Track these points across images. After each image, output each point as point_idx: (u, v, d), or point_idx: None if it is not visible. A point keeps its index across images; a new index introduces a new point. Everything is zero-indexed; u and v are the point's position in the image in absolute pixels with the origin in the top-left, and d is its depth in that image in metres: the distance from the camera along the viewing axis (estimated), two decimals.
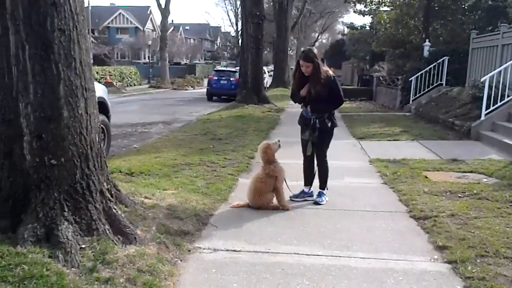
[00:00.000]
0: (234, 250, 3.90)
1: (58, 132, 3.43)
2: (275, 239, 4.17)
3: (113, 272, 3.14)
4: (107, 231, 3.52)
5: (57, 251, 3.17)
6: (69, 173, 3.48)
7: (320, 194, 5.43)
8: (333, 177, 6.42)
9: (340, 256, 3.81)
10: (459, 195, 5.54)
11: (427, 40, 17.58)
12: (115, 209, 3.73)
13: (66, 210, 3.41)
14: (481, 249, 3.84)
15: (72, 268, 3.10)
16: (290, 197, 5.41)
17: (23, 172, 3.42)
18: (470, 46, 14.35)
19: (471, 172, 6.93)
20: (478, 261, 3.64)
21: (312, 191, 5.56)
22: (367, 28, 31.60)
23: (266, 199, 5.05)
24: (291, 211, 5.04)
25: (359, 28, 34.86)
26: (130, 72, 36.77)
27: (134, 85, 36.29)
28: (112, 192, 3.89)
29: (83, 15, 3.60)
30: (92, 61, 3.80)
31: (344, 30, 49.09)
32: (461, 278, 3.41)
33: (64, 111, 3.43)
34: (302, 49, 5.79)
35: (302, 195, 5.53)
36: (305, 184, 5.64)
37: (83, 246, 3.33)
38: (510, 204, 5.16)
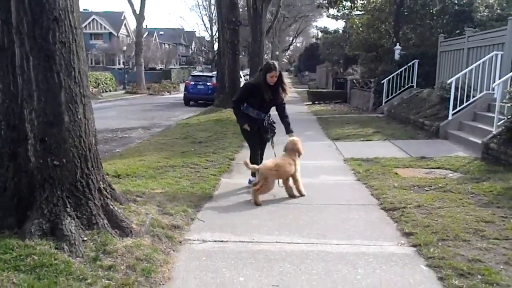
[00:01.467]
0: (221, 241, 4.27)
1: (60, 136, 3.75)
2: (258, 230, 4.56)
3: (114, 261, 3.49)
4: (106, 225, 3.87)
5: (62, 243, 3.50)
6: (70, 173, 3.81)
7: None
8: (310, 175, 6.91)
9: (317, 243, 4.22)
10: (426, 189, 6.02)
11: (397, 43, 18.23)
12: (111, 205, 4.07)
13: (69, 206, 3.74)
14: (443, 234, 4.29)
15: (77, 258, 3.44)
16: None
17: (27, 172, 3.73)
18: (438, 49, 14.99)
19: (438, 168, 7.44)
20: (440, 244, 4.09)
21: None
22: (340, 32, 32.35)
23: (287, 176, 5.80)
24: (271, 206, 5.44)
25: (332, 32, 35.69)
26: (106, 78, 36.62)
27: (110, 91, 36.19)
28: (108, 191, 4.22)
29: (80, 29, 3.94)
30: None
31: (318, 34, 49.86)
32: (424, 258, 3.85)
33: (65, 116, 3.76)
34: (270, 62, 6.48)
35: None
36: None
37: (85, 238, 3.66)
38: (472, 195, 5.66)
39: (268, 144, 6.45)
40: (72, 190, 3.81)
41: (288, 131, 6.28)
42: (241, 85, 21.21)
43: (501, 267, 3.65)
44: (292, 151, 5.97)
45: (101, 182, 4.12)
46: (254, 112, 6.18)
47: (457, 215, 4.84)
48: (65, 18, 3.70)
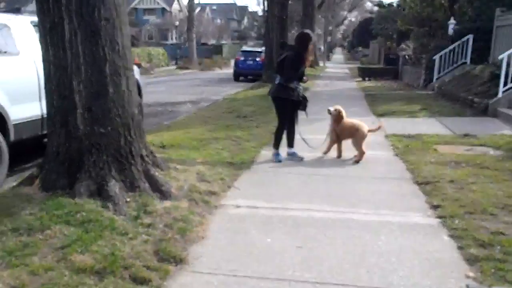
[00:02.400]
0: (254, 207, 4.54)
1: (105, 106, 4.11)
2: (290, 199, 4.79)
3: (153, 220, 3.84)
4: (147, 189, 4.22)
5: (107, 203, 3.88)
6: (115, 140, 4.17)
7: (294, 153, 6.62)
8: (349, 150, 7.02)
9: (344, 212, 4.41)
10: (463, 165, 6.01)
11: (452, 17, 17.64)
12: (152, 171, 4.42)
13: (113, 170, 4.11)
14: (470, 208, 4.37)
15: (120, 216, 3.81)
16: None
17: (77, 139, 4.12)
18: (494, 24, 14.45)
19: (480, 145, 7.36)
20: (466, 216, 4.17)
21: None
22: (395, 5, 31.49)
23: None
24: (306, 177, 5.64)
25: (387, 6, 34.73)
26: (158, 53, 37.42)
27: (162, 66, 36.99)
28: (150, 157, 4.57)
29: (123, 6, 4.25)
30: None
31: (372, 8, 48.66)
32: (447, 229, 3.96)
33: (109, 88, 4.10)
34: (307, 31, 6.67)
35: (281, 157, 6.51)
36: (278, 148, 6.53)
37: (128, 199, 4.03)
38: (509, 172, 5.62)
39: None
40: (116, 155, 4.17)
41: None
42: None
43: None
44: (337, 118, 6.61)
45: (143, 149, 4.47)
46: (294, 83, 6.28)
47: (489, 191, 4.87)
48: None
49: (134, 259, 3.25)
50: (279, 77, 6.30)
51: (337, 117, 6.57)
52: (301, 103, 6.46)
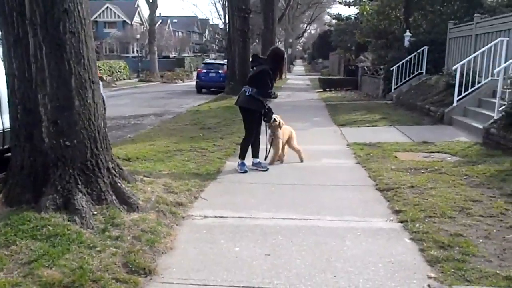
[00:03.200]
0: (221, 217, 4.59)
1: (71, 119, 4.08)
2: (257, 208, 4.86)
3: (121, 232, 3.83)
4: (114, 201, 4.20)
5: (74, 216, 3.84)
6: (81, 153, 4.14)
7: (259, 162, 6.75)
8: (313, 158, 7.19)
9: (310, 219, 4.51)
10: (422, 171, 6.25)
11: (407, 30, 18.26)
12: (119, 183, 4.40)
13: (80, 183, 4.08)
14: (430, 212, 4.55)
15: (88, 229, 3.78)
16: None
17: (42, 152, 4.07)
18: (447, 36, 15.05)
19: (437, 152, 7.67)
20: (426, 220, 4.35)
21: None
22: (353, 19, 32.26)
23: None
24: (271, 186, 5.73)
25: (345, 19, 35.51)
26: (119, 66, 36.91)
27: (124, 79, 36.52)
28: (116, 170, 4.55)
29: (89, 19, 4.24)
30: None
31: (331, 21, 49.64)
32: (409, 232, 4.12)
33: (75, 101, 4.09)
34: (281, 48, 7.05)
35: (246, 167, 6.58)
36: (243, 158, 6.61)
37: (95, 212, 4.00)
38: (465, 177, 5.88)
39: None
40: (83, 168, 4.14)
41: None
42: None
43: (481, 240, 3.91)
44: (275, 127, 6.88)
45: (109, 162, 4.45)
46: (260, 95, 6.42)
47: (447, 195, 5.09)
48: (75, 9, 4.01)
49: (103, 272, 3.24)
50: (250, 89, 6.38)
51: (279, 125, 6.87)
52: (266, 114, 6.62)
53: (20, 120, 4.10)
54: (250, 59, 7.01)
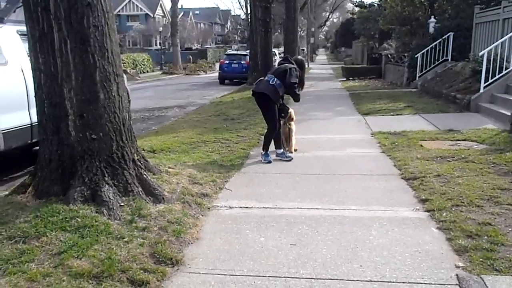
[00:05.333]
0: (246, 207, 4.61)
1: (96, 112, 4.14)
2: (282, 198, 4.87)
3: (148, 223, 3.88)
4: (140, 193, 4.25)
5: (101, 208, 3.91)
6: (107, 145, 4.20)
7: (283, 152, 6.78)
8: (336, 148, 7.17)
9: (335, 209, 4.50)
10: (448, 159, 6.15)
11: (432, 16, 17.91)
12: (145, 175, 4.45)
13: (106, 175, 4.14)
14: (457, 200, 4.48)
15: (115, 220, 3.84)
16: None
17: (69, 145, 4.14)
18: (474, 21, 14.71)
19: (464, 140, 7.53)
20: (453, 209, 4.29)
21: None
22: (376, 6, 31.79)
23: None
24: (296, 176, 5.72)
25: (368, 6, 35.02)
26: (143, 59, 37.26)
27: (147, 72, 36.86)
28: (142, 162, 4.60)
29: (112, 12, 4.28)
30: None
31: (353, 9, 48.99)
32: (436, 222, 4.07)
33: (100, 94, 4.13)
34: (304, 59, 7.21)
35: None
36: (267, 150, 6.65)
37: (122, 204, 4.06)
38: (493, 165, 5.77)
39: None
40: (109, 161, 4.20)
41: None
42: (275, 62, 21.43)
43: (510, 229, 3.84)
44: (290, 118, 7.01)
45: (135, 154, 4.50)
46: (282, 91, 6.55)
47: (475, 183, 5.00)
48: (98, 3, 4.04)
49: (131, 262, 3.29)
50: (275, 79, 6.43)
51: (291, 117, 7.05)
52: (283, 109, 6.78)
53: (47, 114, 4.17)
54: (281, 59, 7.12)
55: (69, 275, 3.09)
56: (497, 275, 3.13)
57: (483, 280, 3.04)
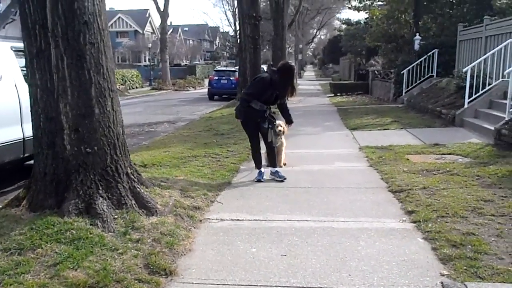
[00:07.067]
0: (238, 220, 4.71)
1: (91, 126, 4.23)
2: (272, 210, 4.98)
3: (142, 235, 3.96)
4: (134, 205, 4.34)
5: (96, 220, 3.98)
6: (101, 159, 4.29)
7: (277, 172, 6.44)
8: (325, 162, 7.31)
9: (324, 221, 4.61)
10: (434, 173, 6.32)
11: (417, 34, 18.29)
12: (138, 188, 4.55)
13: (101, 188, 4.22)
14: (443, 212, 4.62)
15: (109, 232, 3.92)
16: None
17: (64, 159, 4.22)
18: (457, 38, 15.08)
19: (449, 154, 7.72)
20: (438, 220, 4.42)
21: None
22: (362, 23, 32.35)
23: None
24: (285, 189, 5.84)
25: (354, 23, 35.62)
26: (132, 75, 37.37)
27: (136, 87, 36.96)
28: (135, 175, 4.69)
29: (107, 30, 4.40)
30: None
31: (340, 26, 49.69)
32: (422, 232, 4.20)
33: (95, 109, 4.24)
34: (293, 64, 6.64)
35: (262, 177, 6.39)
36: (260, 167, 6.47)
37: (115, 216, 4.14)
38: (477, 177, 5.94)
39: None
40: (103, 174, 4.29)
41: (289, 121, 6.70)
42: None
43: (492, 239, 3.98)
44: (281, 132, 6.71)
45: (128, 168, 4.60)
46: (257, 104, 6.17)
47: (459, 195, 5.16)
48: (94, 21, 4.17)
49: (126, 273, 3.37)
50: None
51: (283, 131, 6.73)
52: (271, 123, 6.41)
53: (43, 128, 4.26)
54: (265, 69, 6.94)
55: (65, 285, 3.15)
56: (480, 282, 3.25)
57: (466, 287, 3.17)
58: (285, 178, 6.32)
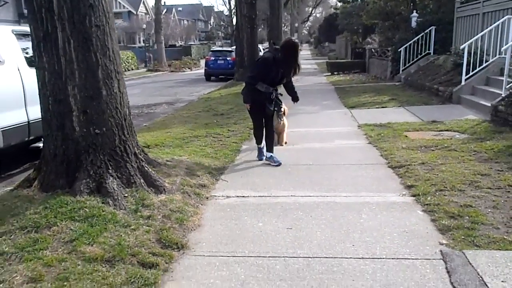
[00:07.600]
0: (243, 196, 4.86)
1: (99, 108, 4.34)
2: (276, 187, 5.13)
3: (152, 212, 4.11)
4: (143, 184, 4.48)
5: (107, 199, 4.12)
6: (110, 140, 4.41)
7: (272, 157, 6.30)
8: (325, 140, 7.44)
9: (327, 196, 4.77)
10: (432, 149, 6.47)
11: (414, 11, 18.29)
12: (146, 167, 4.68)
13: (110, 168, 4.35)
14: (441, 186, 4.79)
15: (121, 210, 4.06)
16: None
17: (73, 140, 4.34)
18: (455, 15, 15.09)
19: (447, 130, 7.87)
20: (437, 193, 4.59)
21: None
22: (359, 1, 32.16)
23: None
24: (288, 167, 5.98)
25: (351, 1, 35.38)
26: (127, 57, 37.04)
27: (132, 69, 36.72)
28: (142, 155, 4.82)
29: (112, 13, 4.49)
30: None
31: (336, 4, 49.35)
32: (421, 205, 4.37)
33: (103, 91, 4.34)
34: (296, 40, 6.30)
35: (263, 155, 6.44)
36: (261, 143, 6.45)
37: (126, 195, 4.28)
38: (474, 153, 6.10)
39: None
40: (112, 154, 4.42)
41: (296, 98, 6.48)
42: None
43: (489, 210, 4.15)
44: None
45: (135, 148, 4.72)
46: (263, 86, 5.99)
47: (457, 170, 5.32)
48: (99, 4, 4.25)
49: (140, 247, 3.52)
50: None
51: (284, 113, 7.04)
52: (277, 106, 6.41)
53: (52, 111, 4.36)
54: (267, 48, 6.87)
55: (83, 260, 3.30)
56: (477, 249, 3.42)
57: (464, 254, 3.34)
58: (280, 163, 6.13)
